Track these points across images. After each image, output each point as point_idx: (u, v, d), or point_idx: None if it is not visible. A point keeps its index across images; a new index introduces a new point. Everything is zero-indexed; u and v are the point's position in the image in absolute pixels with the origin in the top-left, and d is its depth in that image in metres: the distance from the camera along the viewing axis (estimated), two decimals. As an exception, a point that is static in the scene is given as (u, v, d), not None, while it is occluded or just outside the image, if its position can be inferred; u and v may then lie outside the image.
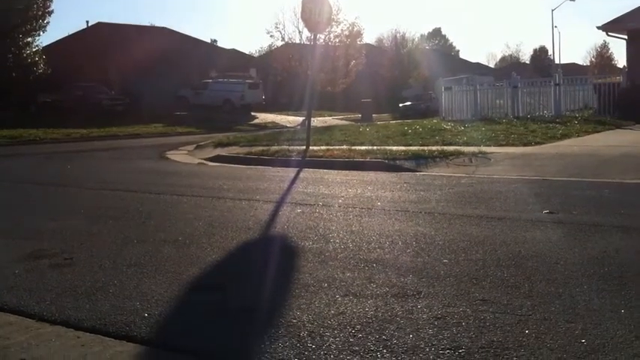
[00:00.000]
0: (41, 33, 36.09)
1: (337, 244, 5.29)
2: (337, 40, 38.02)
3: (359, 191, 8.51)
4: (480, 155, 11.90)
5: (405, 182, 9.33)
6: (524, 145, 13.78)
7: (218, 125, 29.11)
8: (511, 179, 9.36)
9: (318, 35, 17.42)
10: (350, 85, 40.18)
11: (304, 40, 39.73)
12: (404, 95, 51.01)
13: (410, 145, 14.11)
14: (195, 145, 18.28)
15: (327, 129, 22.72)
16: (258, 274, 4.59)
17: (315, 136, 15.95)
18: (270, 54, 48.34)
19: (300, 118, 34.35)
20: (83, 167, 14.04)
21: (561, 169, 10.37)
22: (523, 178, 9.38)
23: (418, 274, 4.34)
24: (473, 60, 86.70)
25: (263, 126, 32.24)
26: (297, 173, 10.90)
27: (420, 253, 4.92)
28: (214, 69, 42.90)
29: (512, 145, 13.83)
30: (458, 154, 12.11)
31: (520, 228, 5.79)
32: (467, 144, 13.84)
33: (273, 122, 34.75)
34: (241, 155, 14.32)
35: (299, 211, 7.06)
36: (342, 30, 38.13)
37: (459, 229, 5.82)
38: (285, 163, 12.53)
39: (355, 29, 38.77)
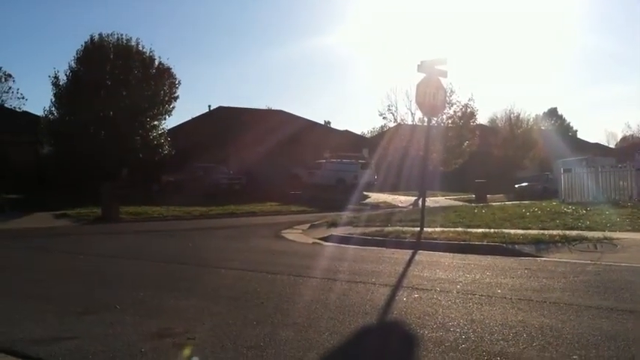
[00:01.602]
0: (167, 117, 38.29)
1: (458, 334, 5.13)
2: (450, 121, 37.99)
3: (477, 277, 8.28)
4: (605, 241, 11.31)
5: (525, 268, 8.99)
6: (653, 230, 12.99)
7: (331, 205, 29.44)
8: (641, 268, 8.83)
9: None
10: (463, 165, 39.78)
11: (416, 121, 40.00)
12: (519, 176, 49.86)
13: (529, 229, 13.67)
14: (309, 225, 18.52)
15: (441, 210, 22.43)
16: (378, 363, 4.51)
17: (429, 217, 15.76)
18: (383, 134, 48.93)
19: (412, 198, 34.24)
20: (203, 245, 14.51)
21: (697, 257, 9.68)
22: (654, 267, 8.82)
23: (547, 370, 4.12)
24: (592, 140, 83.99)
25: (375, 206, 32.27)
26: (412, 256, 10.78)
27: (546, 348, 4.68)
28: (328, 149, 43.81)
29: (640, 230, 13.08)
30: (581, 239, 11.57)
31: (656, 323, 5.41)
32: (590, 228, 13.24)
33: (385, 202, 34.76)
34: (355, 235, 14.34)
35: (416, 296, 6.93)
36: (454, 111, 38.12)
37: (587, 322, 5.51)
38: (400, 245, 12.44)
39: (469, 110, 38.64)
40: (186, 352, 4.76)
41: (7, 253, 13.34)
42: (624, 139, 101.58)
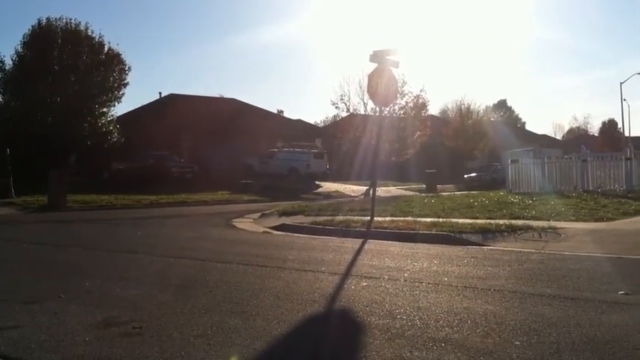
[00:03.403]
0: (116, 103, 37.69)
1: (404, 321, 5.20)
2: (402, 112, 38.28)
3: (425, 265, 8.39)
4: (549, 230, 11.60)
5: (472, 257, 9.15)
6: (596, 220, 13.35)
7: (283, 194, 29.45)
8: (583, 256, 9.07)
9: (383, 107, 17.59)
10: (414, 155, 40.21)
11: (369, 111, 40.20)
12: (469, 166, 50.72)
13: (476, 218, 13.90)
14: (260, 214, 18.49)
15: (392, 199, 22.64)
16: (324, 350, 4.54)
17: (380, 207, 15.91)
18: (335, 124, 49.07)
19: (364, 188, 34.46)
20: (152, 234, 14.34)
21: (636, 246, 10.00)
22: (596, 256, 9.07)
23: (489, 356, 4.22)
24: (539, 132, 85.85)
25: (327, 195, 32.41)
26: (362, 244, 10.86)
27: (490, 334, 4.78)
28: (280, 138, 43.74)
29: (583, 220, 13.43)
30: (526, 228, 11.84)
31: (595, 309, 5.57)
32: (535, 218, 13.54)
33: (337, 191, 34.94)
34: (306, 225, 14.38)
35: (364, 284, 6.99)
36: (406, 102, 38.42)
37: (530, 308, 5.65)
38: (350, 234, 12.53)
39: (420, 101, 39.00)
40: (131, 341, 4.70)
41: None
42: (571, 130, 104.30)
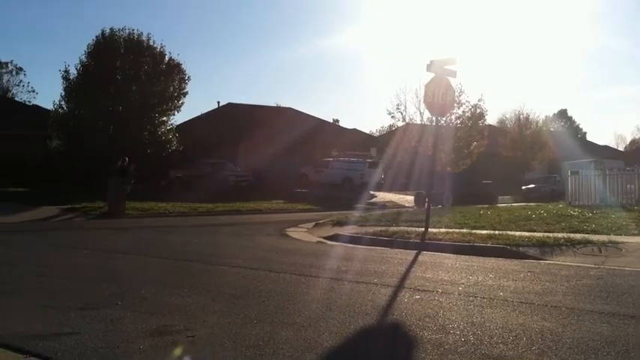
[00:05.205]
0: (176, 112, 38.34)
1: (457, 336, 5.12)
2: (459, 122, 37.77)
3: (480, 279, 8.26)
4: (610, 245, 11.25)
5: (528, 271, 8.96)
6: (660, 235, 12.90)
7: (337, 203, 29.44)
8: (645, 273, 8.78)
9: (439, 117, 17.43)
10: (471, 165, 39.62)
11: (425, 121, 39.81)
12: (527, 178, 49.74)
13: (534, 231, 13.62)
14: (314, 223, 18.52)
15: (447, 210, 22.38)
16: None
17: (434, 218, 15.75)
18: (391, 134, 48.90)
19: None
20: (207, 242, 14.51)
21: (703, 263, 9.62)
22: (659, 273, 8.77)
23: (544, 375, 4.11)
24: (601, 143, 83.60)
25: (382, 205, 32.23)
26: (416, 256, 10.77)
27: (545, 352, 4.67)
28: (335, 148, 43.77)
29: (646, 234, 13.00)
30: (586, 242, 11.51)
31: (657, 329, 5.38)
32: (595, 232, 13.17)
33: (391, 201, 34.74)
34: (359, 235, 14.34)
35: (417, 297, 6.92)
36: (463, 111, 37.88)
37: (588, 326, 5.49)
38: (404, 245, 12.44)
39: (478, 111, 38.36)
40: (185, 350, 4.77)
41: (12, 246, 13.41)
42: (633, 142, 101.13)
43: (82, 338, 5.08)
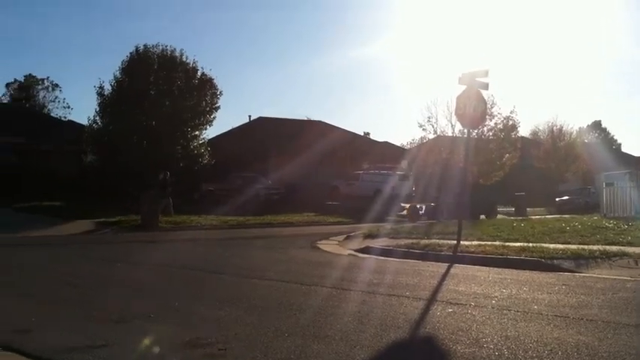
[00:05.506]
0: (208, 127, 38.66)
1: (491, 351, 5.06)
2: (491, 134, 37.49)
3: (513, 292, 8.16)
4: (646, 257, 11.05)
5: (563, 284, 8.83)
6: (698, 247, 12.62)
7: (368, 215, 29.34)
8: (684, 286, 8.59)
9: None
10: (503, 177, 39.24)
11: (456, 133, 39.57)
12: (560, 189, 49.09)
13: (568, 244, 13.41)
14: (345, 236, 18.48)
15: (479, 223, 22.19)
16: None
17: (466, 231, 15.61)
18: (422, 146, 48.70)
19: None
20: (239, 255, 14.58)
21: None
22: (699, 286, 8.57)
23: (581, 390, 4.04)
24: (636, 154, 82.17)
25: (413, 218, 32.05)
26: (448, 269, 10.69)
27: (582, 366, 4.59)
28: (366, 160, 43.71)
29: (684, 247, 12.72)
30: (622, 255, 11.32)
31: (697, 344, 5.25)
32: (631, 244, 12.95)
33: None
34: (390, 248, 14.28)
35: (450, 310, 6.87)
36: (495, 123, 37.61)
37: (625, 340, 5.39)
38: (436, 258, 12.35)
39: (510, 123, 38.05)
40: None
41: (48, 259, 13.61)
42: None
43: (114, 351, 5.14)
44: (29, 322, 6.19)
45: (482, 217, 30.29)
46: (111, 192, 31.74)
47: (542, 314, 6.58)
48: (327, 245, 16.54)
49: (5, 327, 5.95)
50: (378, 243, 15.53)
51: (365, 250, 14.59)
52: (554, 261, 11.09)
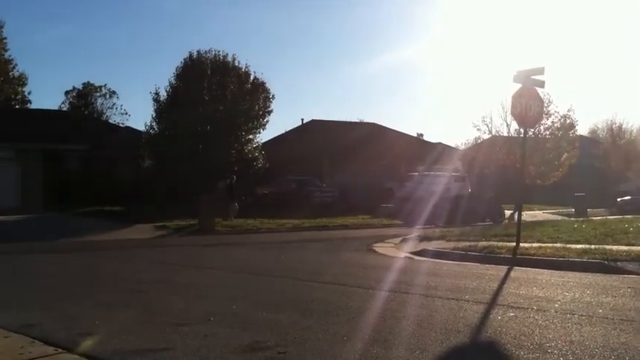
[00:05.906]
0: (261, 130, 39.01)
1: (556, 356, 4.95)
2: (548, 133, 36.74)
3: (577, 295, 7.97)
4: None
5: (628, 287, 8.58)
6: None
7: (424, 218, 29.07)
8: None
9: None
10: (562, 177, 38.41)
11: (512, 133, 38.92)
12: (622, 189, 47.74)
13: (632, 245, 13.04)
14: (401, 238, 18.38)
15: (538, 224, 21.75)
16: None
17: (525, 232, 15.33)
18: (477, 146, 48.05)
19: (508, 212, 33.36)
20: (295, 258, 14.67)
21: None
22: None
23: (652, 397, 3.91)
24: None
25: (469, 219, 31.62)
26: (508, 272, 10.51)
27: (652, 373, 4.45)
28: (421, 162, 43.39)
29: None
30: (690, 256, 10.94)
31: None
32: (700, 245, 12.51)
33: (479, 216, 34.03)
34: (447, 250, 14.14)
35: (512, 314, 6.74)
36: (552, 122, 36.83)
37: (697, 346, 5.20)
38: (494, 261, 12.17)
39: (568, 121, 37.21)
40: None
41: (111, 263, 13.97)
42: None
43: (176, 354, 5.21)
44: (93, 326, 6.34)
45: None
46: (168, 196, 32.31)
47: (607, 318, 6.40)
48: (382, 248, 16.49)
49: (71, 331, 6.11)
50: (435, 245, 15.39)
51: (422, 253, 14.49)
52: (618, 263, 10.81)
